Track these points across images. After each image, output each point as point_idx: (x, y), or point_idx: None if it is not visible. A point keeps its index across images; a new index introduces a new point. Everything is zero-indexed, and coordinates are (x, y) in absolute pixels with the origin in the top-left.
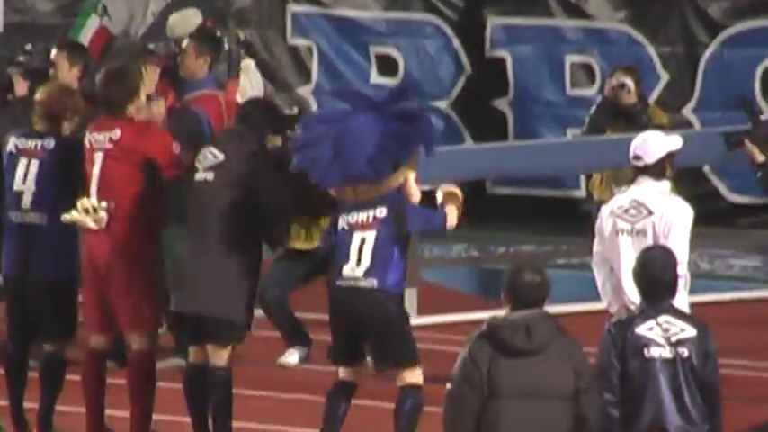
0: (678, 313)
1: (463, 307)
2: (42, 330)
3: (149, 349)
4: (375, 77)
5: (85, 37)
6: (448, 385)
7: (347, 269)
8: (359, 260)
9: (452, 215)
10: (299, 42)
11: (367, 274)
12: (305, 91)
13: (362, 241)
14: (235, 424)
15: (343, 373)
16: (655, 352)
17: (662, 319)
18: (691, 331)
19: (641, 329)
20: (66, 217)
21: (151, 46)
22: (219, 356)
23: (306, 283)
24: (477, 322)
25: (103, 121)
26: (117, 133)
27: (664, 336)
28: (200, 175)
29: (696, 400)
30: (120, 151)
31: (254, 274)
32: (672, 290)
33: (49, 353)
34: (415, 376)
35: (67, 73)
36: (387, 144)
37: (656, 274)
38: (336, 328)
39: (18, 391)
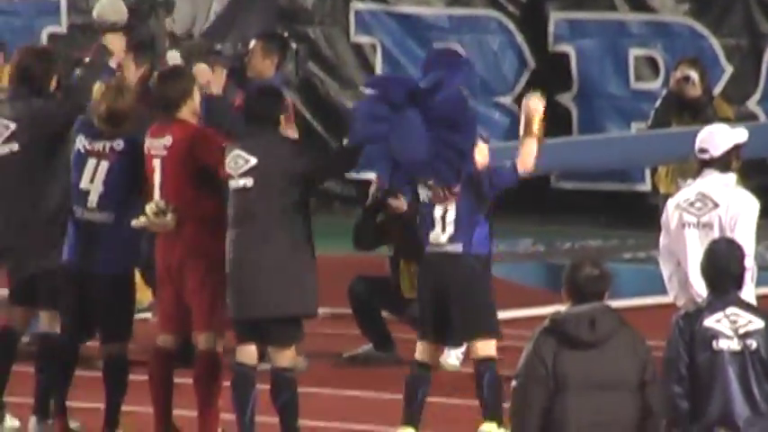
0: (745, 305)
1: (530, 302)
2: (103, 331)
3: (217, 349)
4: None
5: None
6: (513, 382)
7: (433, 236)
8: (444, 227)
9: (527, 158)
10: (363, 40)
11: (452, 239)
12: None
13: (445, 211)
14: (307, 423)
15: (422, 354)
16: (723, 344)
17: (729, 311)
18: (758, 323)
19: (709, 322)
20: (135, 222)
21: (218, 47)
22: (283, 357)
23: (385, 307)
24: (545, 317)
25: (157, 127)
26: (169, 140)
27: (732, 328)
28: (237, 182)
29: (764, 392)
30: (174, 157)
31: (313, 264)
32: (739, 282)
33: (111, 353)
34: (489, 348)
35: (134, 74)
36: (445, 156)
37: (722, 266)
38: (424, 298)
39: (64, 385)
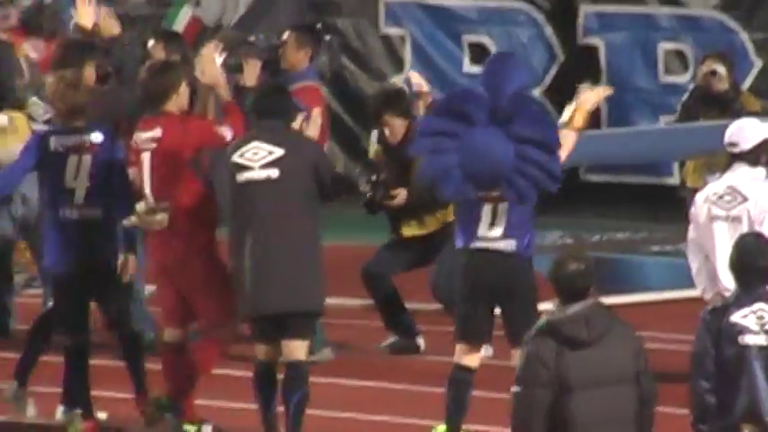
0: None
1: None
2: (115, 318)
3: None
4: (468, 66)
5: (178, 27)
6: (514, 388)
7: (482, 230)
8: (493, 220)
9: (566, 149)
10: (392, 31)
11: (505, 235)
12: (398, 80)
13: (495, 204)
14: (330, 413)
15: (464, 357)
16: (749, 339)
17: (756, 306)
18: None
19: (736, 317)
20: (127, 222)
21: (252, 38)
22: (301, 350)
23: (409, 268)
24: None
25: (146, 121)
26: (158, 132)
27: (758, 323)
28: (258, 174)
29: None
30: (165, 150)
31: (322, 256)
32: (767, 277)
33: (126, 334)
34: None
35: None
36: (529, 173)
37: (751, 261)
38: (467, 297)
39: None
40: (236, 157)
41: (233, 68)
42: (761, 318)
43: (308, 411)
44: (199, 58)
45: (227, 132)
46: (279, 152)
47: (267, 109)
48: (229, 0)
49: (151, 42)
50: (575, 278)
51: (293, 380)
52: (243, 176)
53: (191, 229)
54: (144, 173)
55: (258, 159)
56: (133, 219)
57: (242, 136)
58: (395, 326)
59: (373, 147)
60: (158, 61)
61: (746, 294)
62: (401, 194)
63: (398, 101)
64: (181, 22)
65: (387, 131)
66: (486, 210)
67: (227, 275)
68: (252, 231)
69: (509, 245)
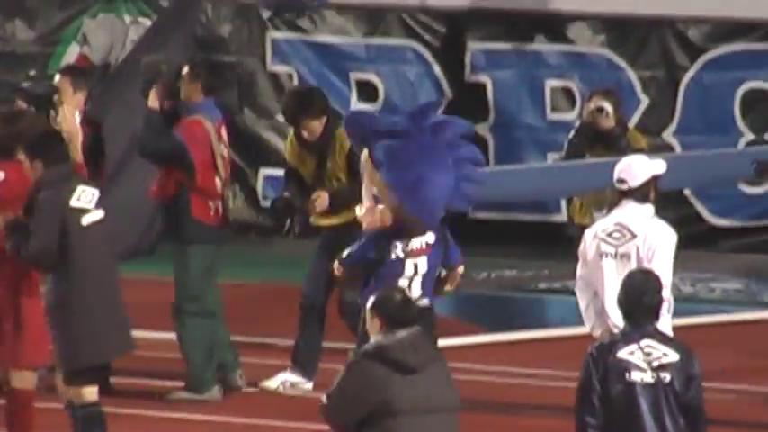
0: (661, 337)
1: (444, 332)
2: None
3: (31, 389)
4: (355, 103)
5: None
6: (324, 398)
7: (402, 284)
8: (411, 281)
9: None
10: (280, 69)
11: (423, 295)
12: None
13: (415, 268)
14: None
15: None
16: (636, 376)
17: (644, 343)
18: (673, 356)
19: (623, 353)
20: None
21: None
22: (94, 392)
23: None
24: (459, 347)
25: None
26: (1, 176)
27: (645, 360)
28: (95, 215)
29: (678, 425)
30: (4, 195)
31: None
32: (655, 314)
33: None
34: None
35: (71, 98)
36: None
37: (639, 297)
38: None
39: None
40: (74, 202)
41: (141, 91)
42: (648, 354)
43: None
44: (60, 111)
45: None
46: (96, 192)
47: (54, 155)
48: (116, 38)
49: (57, 77)
50: (402, 306)
51: (97, 422)
52: (86, 219)
53: (15, 273)
54: None
55: (90, 201)
56: None
57: (60, 180)
58: (300, 359)
59: (289, 147)
60: (8, 111)
61: (634, 331)
62: (321, 198)
63: (314, 103)
64: (68, 61)
65: (305, 134)
66: (407, 275)
67: (40, 327)
68: (97, 273)
69: (425, 303)
